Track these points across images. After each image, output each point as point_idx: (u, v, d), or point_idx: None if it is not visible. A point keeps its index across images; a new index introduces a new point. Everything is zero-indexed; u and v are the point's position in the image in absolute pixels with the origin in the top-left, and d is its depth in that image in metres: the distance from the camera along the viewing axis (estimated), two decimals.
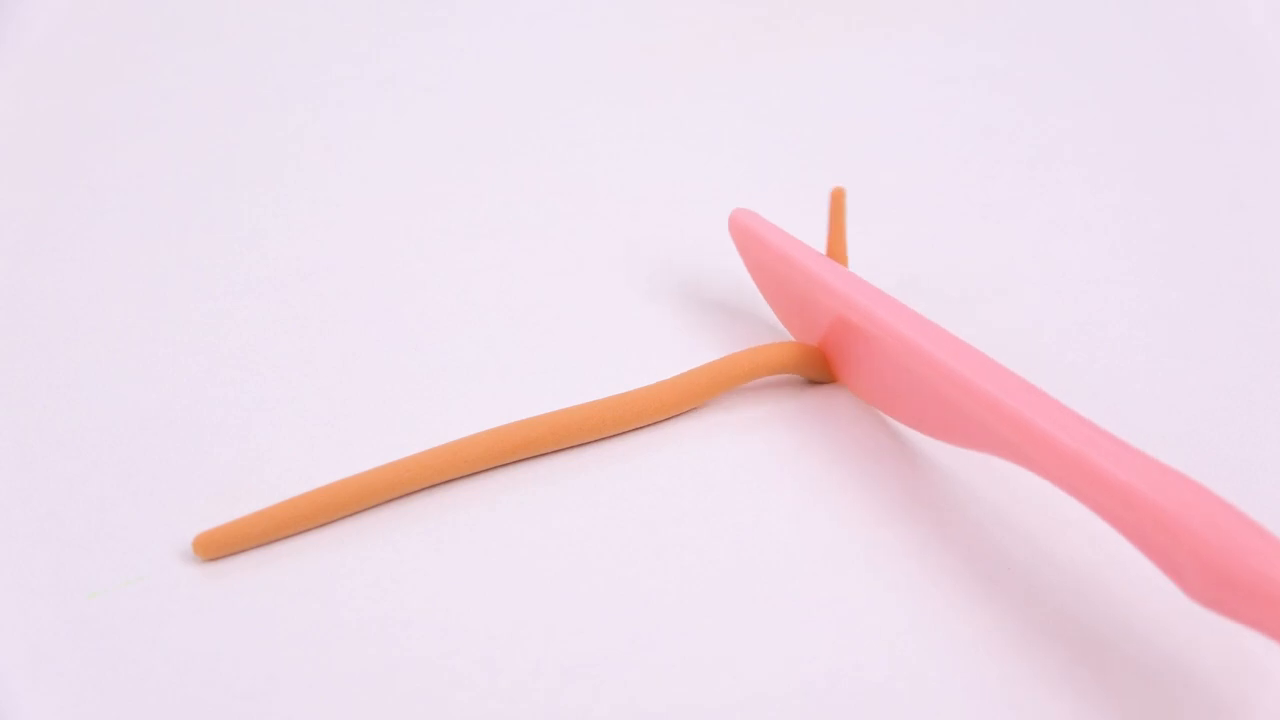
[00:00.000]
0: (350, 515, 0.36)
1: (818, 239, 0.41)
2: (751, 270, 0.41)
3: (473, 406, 0.39)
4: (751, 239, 0.41)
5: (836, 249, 0.41)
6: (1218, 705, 0.31)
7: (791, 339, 0.41)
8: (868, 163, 0.47)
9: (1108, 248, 0.45)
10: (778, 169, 0.49)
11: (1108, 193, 0.48)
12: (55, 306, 0.43)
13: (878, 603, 0.34)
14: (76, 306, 0.43)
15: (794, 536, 0.35)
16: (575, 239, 0.46)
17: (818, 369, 0.40)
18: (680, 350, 0.41)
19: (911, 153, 0.49)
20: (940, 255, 0.45)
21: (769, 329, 0.42)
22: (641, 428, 0.38)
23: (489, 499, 0.36)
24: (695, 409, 0.39)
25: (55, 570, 0.35)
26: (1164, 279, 0.44)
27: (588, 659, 0.32)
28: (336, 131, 0.50)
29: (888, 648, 0.33)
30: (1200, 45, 0.53)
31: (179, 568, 0.35)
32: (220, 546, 0.35)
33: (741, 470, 0.37)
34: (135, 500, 0.37)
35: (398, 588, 0.34)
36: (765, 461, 0.38)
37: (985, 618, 0.33)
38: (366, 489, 0.36)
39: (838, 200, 0.41)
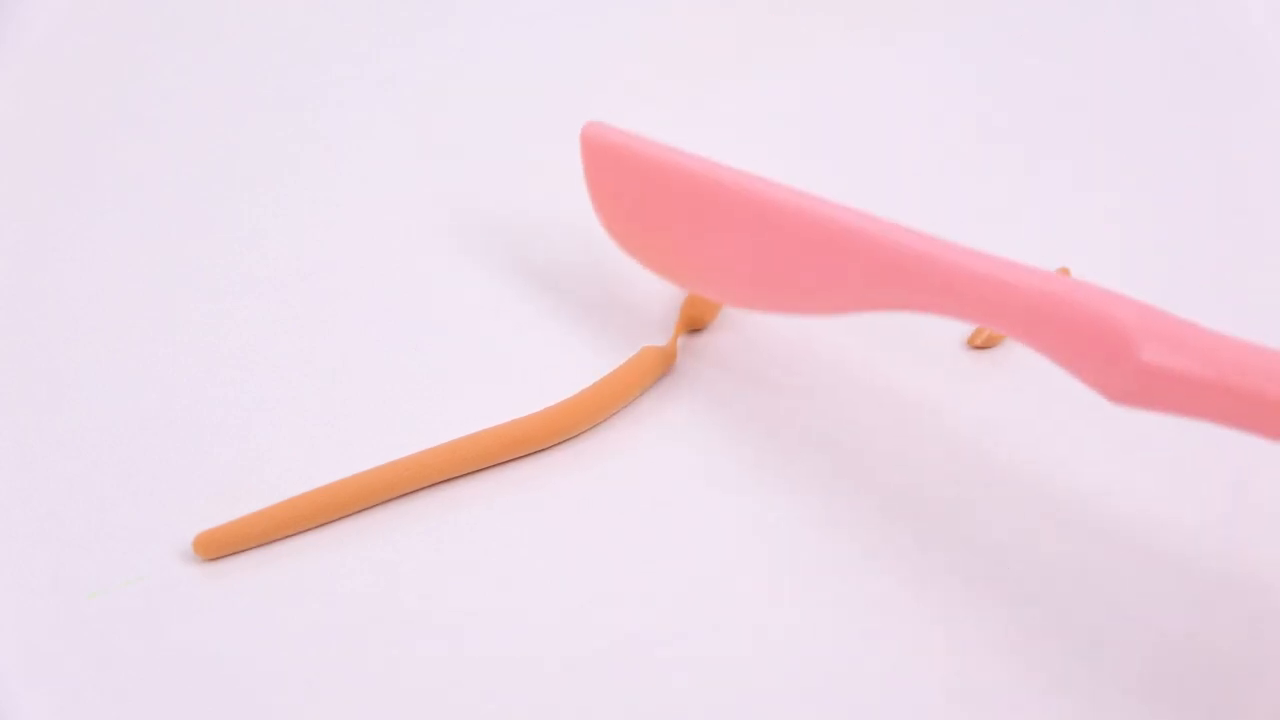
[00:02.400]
0: (350, 515, 0.36)
1: None
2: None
3: (473, 406, 0.39)
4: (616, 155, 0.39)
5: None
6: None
7: None
8: (867, 162, 0.47)
9: (1105, 249, 0.45)
10: (776, 169, 0.49)
11: (1106, 194, 0.47)
12: (55, 306, 0.43)
13: (885, 601, 0.34)
14: (76, 306, 0.43)
15: (791, 535, 0.35)
16: (574, 238, 0.46)
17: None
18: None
19: (911, 152, 0.49)
20: None
21: None
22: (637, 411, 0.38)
23: (489, 499, 0.36)
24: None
25: (55, 570, 0.35)
26: (1163, 279, 0.44)
27: (588, 658, 0.32)
28: (336, 131, 0.50)
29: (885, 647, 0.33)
30: (1200, 45, 0.53)
31: (179, 568, 0.35)
32: (220, 546, 0.35)
33: (738, 461, 0.37)
34: (135, 500, 0.37)
35: (398, 588, 0.34)
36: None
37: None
38: (366, 489, 0.36)
39: None
